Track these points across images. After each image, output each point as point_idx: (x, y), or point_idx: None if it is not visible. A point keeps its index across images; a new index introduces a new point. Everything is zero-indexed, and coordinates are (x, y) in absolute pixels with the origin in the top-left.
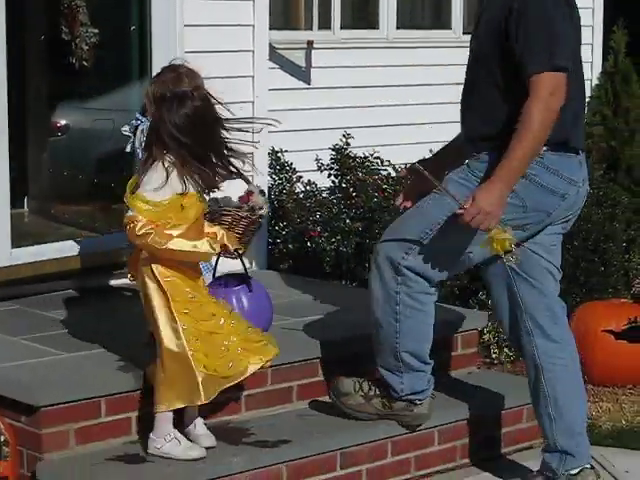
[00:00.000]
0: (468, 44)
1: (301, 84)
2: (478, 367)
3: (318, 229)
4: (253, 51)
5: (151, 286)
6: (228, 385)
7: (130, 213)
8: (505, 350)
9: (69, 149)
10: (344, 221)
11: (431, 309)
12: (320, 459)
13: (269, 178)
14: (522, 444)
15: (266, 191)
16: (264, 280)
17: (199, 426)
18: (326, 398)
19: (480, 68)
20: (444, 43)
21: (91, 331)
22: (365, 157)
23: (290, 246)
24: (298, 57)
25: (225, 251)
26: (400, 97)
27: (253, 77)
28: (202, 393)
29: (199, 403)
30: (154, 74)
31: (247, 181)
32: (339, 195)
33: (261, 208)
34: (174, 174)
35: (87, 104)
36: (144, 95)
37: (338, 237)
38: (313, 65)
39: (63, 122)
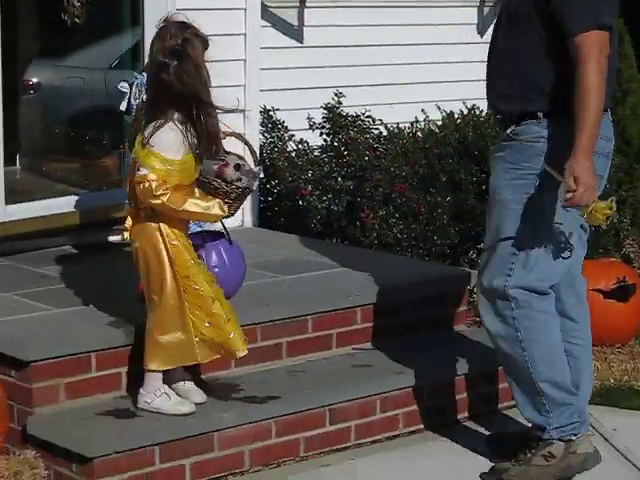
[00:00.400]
0: (464, 4)
1: (294, 43)
2: (468, 325)
3: (309, 187)
4: (245, 9)
5: (155, 245)
6: (222, 355)
7: (143, 172)
8: None
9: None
10: (335, 179)
11: (554, 327)
12: (309, 415)
13: (261, 136)
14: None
15: (249, 162)
16: (256, 237)
17: (188, 382)
18: (315, 355)
19: (519, 33)
20: (435, 2)
21: (84, 287)
22: (357, 116)
23: (282, 204)
24: (290, 15)
25: None
26: (391, 56)
27: (245, 35)
28: (198, 353)
29: (192, 363)
30: (146, 32)
31: (246, 142)
32: (330, 154)
33: (239, 180)
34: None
35: (67, 62)
36: (150, 53)
37: (329, 195)
38: (305, 24)
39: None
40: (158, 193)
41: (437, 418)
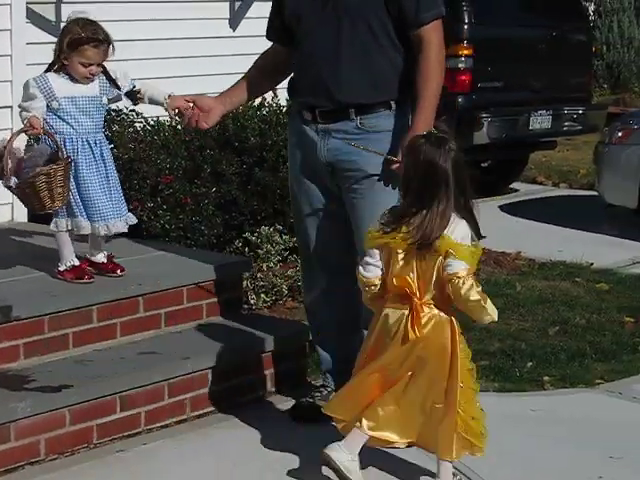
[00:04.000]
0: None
1: (52, 38)
2: (244, 311)
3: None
4: (10, 5)
5: (451, 339)
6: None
7: (461, 267)
8: (262, 296)
9: None
10: None
11: None
12: (101, 403)
13: None
14: None
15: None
16: (29, 231)
17: None
18: (101, 344)
19: (352, 25)
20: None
21: None
22: (119, 110)
23: None
24: (48, 11)
25: None
26: (153, 51)
27: (11, 31)
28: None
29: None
30: None
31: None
32: None
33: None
34: None
35: None
36: None
37: None
38: (63, 19)
39: None
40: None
41: (224, 400)
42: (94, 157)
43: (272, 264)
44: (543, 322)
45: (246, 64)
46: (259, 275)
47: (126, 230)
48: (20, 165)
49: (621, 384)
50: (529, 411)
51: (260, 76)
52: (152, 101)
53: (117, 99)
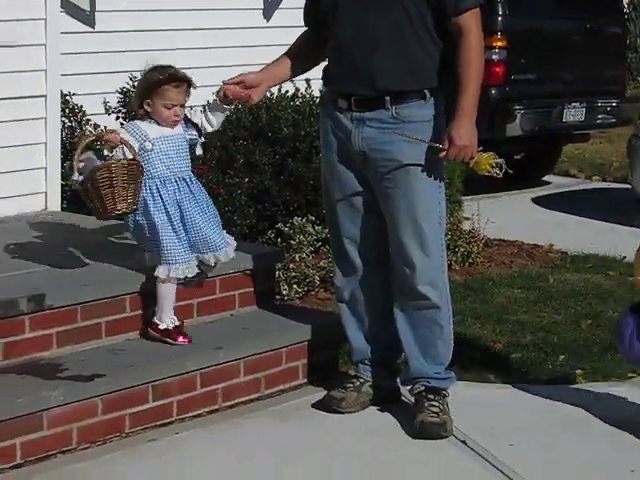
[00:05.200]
0: None
1: (86, 28)
2: (276, 302)
3: None
4: None
5: None
6: None
7: None
8: (295, 287)
9: None
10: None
11: None
12: (133, 392)
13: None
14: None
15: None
16: (63, 220)
17: None
18: (134, 334)
19: (390, 13)
20: None
21: None
22: None
23: None
24: (82, 1)
25: None
26: (181, 42)
27: (45, 20)
28: None
29: None
30: None
31: None
32: None
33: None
34: None
35: None
36: None
37: None
38: (97, 9)
39: None
40: None
41: (256, 391)
42: (192, 193)
43: (304, 255)
44: (575, 315)
45: (279, 54)
46: (291, 266)
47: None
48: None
49: None
50: (560, 404)
51: (300, 56)
52: (212, 113)
53: (194, 142)
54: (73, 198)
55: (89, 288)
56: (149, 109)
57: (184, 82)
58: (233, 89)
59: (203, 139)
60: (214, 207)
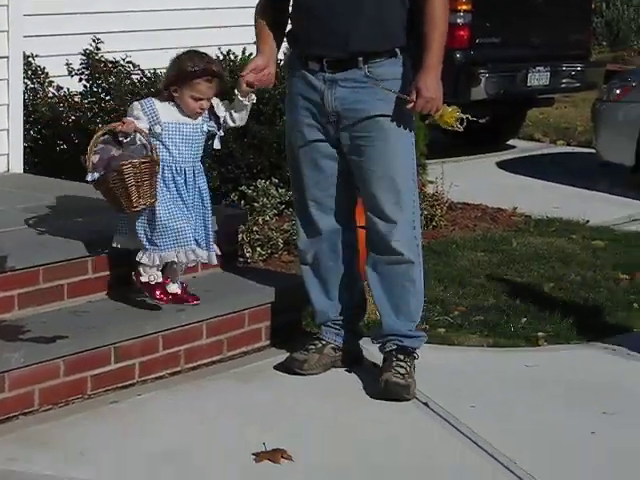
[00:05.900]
0: None
1: None
2: (239, 264)
3: (72, 135)
4: None
5: None
6: None
7: None
8: (258, 249)
9: None
10: (97, 124)
11: None
12: (95, 354)
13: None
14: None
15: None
16: (24, 182)
17: None
18: (95, 296)
19: None
20: None
21: None
22: (116, 61)
23: (48, 150)
24: None
25: None
26: (150, 4)
27: None
28: None
29: None
30: None
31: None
32: (92, 99)
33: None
34: None
35: None
36: None
37: None
38: None
39: None
40: None
41: (218, 352)
42: (186, 186)
43: (268, 218)
44: (538, 278)
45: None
46: (255, 228)
47: (212, 262)
48: (110, 162)
49: (615, 340)
50: (523, 367)
51: (275, 26)
52: (237, 110)
53: (213, 133)
54: (35, 160)
55: (51, 250)
56: (176, 94)
57: (217, 76)
58: (255, 77)
59: (222, 132)
60: (211, 210)
